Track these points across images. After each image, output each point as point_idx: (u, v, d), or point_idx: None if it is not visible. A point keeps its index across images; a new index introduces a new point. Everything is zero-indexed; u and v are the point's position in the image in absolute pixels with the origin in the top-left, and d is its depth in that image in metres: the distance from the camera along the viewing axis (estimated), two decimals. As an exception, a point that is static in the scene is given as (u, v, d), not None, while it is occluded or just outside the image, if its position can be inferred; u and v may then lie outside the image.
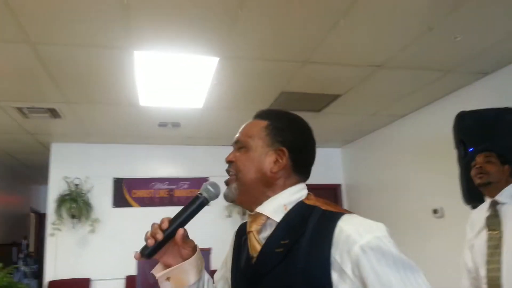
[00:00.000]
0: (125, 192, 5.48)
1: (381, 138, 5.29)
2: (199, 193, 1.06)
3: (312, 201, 0.98)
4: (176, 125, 4.72)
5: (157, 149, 5.70)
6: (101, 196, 5.34)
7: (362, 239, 0.86)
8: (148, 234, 0.97)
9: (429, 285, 0.87)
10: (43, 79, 3.28)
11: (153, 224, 0.99)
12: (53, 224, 5.09)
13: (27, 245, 7.46)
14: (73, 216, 5.10)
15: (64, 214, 5.08)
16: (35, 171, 6.79)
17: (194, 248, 1.04)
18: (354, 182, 6.04)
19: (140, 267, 3.53)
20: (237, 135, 1.09)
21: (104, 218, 5.30)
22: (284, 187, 0.99)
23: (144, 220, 5.42)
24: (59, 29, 2.57)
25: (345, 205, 6.11)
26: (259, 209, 0.99)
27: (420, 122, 4.50)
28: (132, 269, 5.05)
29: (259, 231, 0.99)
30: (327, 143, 5.97)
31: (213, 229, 5.54)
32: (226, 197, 1.05)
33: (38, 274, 6.27)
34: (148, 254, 0.95)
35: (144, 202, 5.53)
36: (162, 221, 0.99)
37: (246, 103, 4.10)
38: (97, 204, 5.29)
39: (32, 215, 8.02)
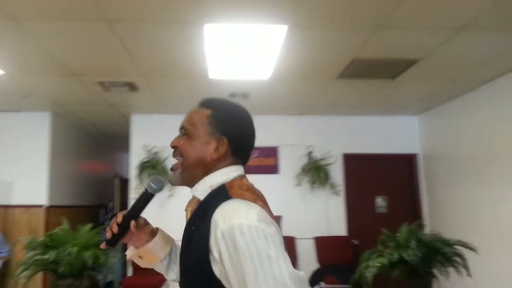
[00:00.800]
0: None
1: (465, 105, 4.89)
2: (145, 189, 1.17)
3: (236, 184, 1.04)
4: (245, 95, 4.77)
5: (227, 119, 5.83)
6: (176, 164, 5.64)
7: (223, 225, 0.91)
8: (108, 228, 1.14)
9: (289, 274, 0.88)
10: (121, 55, 3.47)
11: (113, 218, 1.14)
12: (136, 188, 5.52)
13: (113, 207, 8.19)
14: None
15: (145, 179, 5.47)
16: (117, 140, 7.34)
17: (152, 232, 1.20)
18: (432, 151, 5.71)
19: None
20: (182, 121, 1.15)
21: (180, 185, 5.61)
22: (218, 169, 1.08)
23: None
24: (133, 6, 2.68)
25: (422, 175, 5.85)
26: (192, 191, 1.11)
27: (509, 87, 4.09)
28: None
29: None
30: (402, 111, 5.68)
31: (283, 197, 5.65)
32: (171, 182, 1.14)
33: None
34: (110, 244, 1.13)
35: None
36: (117, 217, 1.13)
37: (314, 72, 4.00)
38: (174, 171, 5.60)
39: (116, 180, 8.73)
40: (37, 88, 4.36)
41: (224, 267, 0.92)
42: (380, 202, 5.92)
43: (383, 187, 5.92)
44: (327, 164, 5.68)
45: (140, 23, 2.91)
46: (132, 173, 5.59)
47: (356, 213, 5.78)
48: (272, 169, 5.78)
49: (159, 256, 1.21)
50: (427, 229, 4.82)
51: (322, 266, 5.39)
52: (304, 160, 5.75)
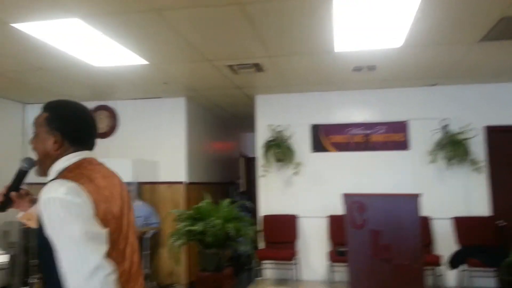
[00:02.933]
0: (322, 138, 5.70)
1: None
2: (20, 166, 1.46)
3: (72, 167, 1.32)
4: (371, 68, 4.55)
5: (351, 94, 5.67)
6: (301, 142, 5.71)
7: (40, 199, 1.21)
8: None
9: (81, 233, 1.15)
10: (251, 37, 3.57)
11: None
12: (263, 166, 5.75)
13: (240, 185, 8.70)
14: (278, 160, 5.63)
15: (271, 158, 5.65)
16: (242, 120, 7.71)
17: (33, 200, 1.55)
18: None
19: (348, 208, 3.68)
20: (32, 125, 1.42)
21: (305, 162, 5.68)
22: (61, 158, 1.35)
23: (341, 164, 5.64)
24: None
25: None
26: (48, 179, 1.33)
27: None
28: (333, 209, 5.36)
29: None
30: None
31: (415, 175, 5.32)
32: (36, 174, 1.42)
33: (250, 209, 7.27)
34: (0, 209, 1.48)
35: (341, 147, 5.66)
36: (1, 190, 1.48)
37: (454, 35, 3.61)
38: (298, 149, 5.68)
39: (242, 159, 9.23)
40: (176, 75, 4.77)
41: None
42: (533, 179, 5.18)
43: (535, 162, 5.16)
44: (466, 138, 5.15)
45: (270, 1, 2.94)
46: (259, 152, 5.82)
47: (503, 192, 5.16)
48: (401, 145, 5.45)
49: None
50: None
51: (464, 247, 4.97)
52: (439, 135, 5.30)
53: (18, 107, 6.16)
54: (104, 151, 5.92)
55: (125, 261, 1.33)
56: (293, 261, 5.30)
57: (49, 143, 1.35)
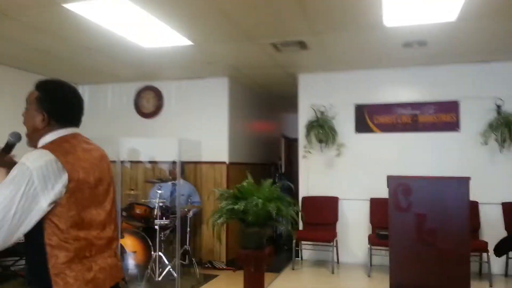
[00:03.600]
0: (367, 118, 5.55)
1: None
2: (7, 140, 1.60)
3: (56, 141, 1.49)
4: (422, 43, 4.34)
5: (398, 72, 5.45)
6: (344, 122, 5.60)
7: (20, 160, 1.39)
8: None
9: (17, 199, 1.29)
10: (295, 12, 3.50)
11: None
12: (304, 147, 5.70)
13: (280, 166, 8.70)
14: (320, 141, 5.56)
15: (313, 139, 5.59)
16: (284, 100, 7.65)
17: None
18: None
19: (392, 191, 3.59)
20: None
21: (348, 143, 5.58)
22: (48, 133, 1.52)
23: (386, 146, 5.48)
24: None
25: None
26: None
27: None
28: (375, 191, 5.25)
29: None
30: None
31: (467, 157, 5.09)
32: (28, 145, 1.56)
33: (290, 190, 7.28)
34: None
35: (386, 128, 5.49)
36: None
37: (515, 7, 3.35)
38: (341, 129, 5.58)
39: (282, 139, 9.19)
40: (219, 55, 4.78)
41: None
42: None
43: None
44: (522, 119, 4.83)
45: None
46: (301, 133, 5.76)
47: None
48: (452, 126, 5.21)
49: None
50: None
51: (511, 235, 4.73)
52: (492, 115, 5.00)
53: (70, 87, 6.44)
54: (150, 131, 6.10)
55: (96, 227, 1.50)
56: (332, 243, 5.27)
57: (38, 120, 1.52)
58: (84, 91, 6.42)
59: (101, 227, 1.52)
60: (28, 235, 1.35)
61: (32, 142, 1.56)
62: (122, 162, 4.72)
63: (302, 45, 4.35)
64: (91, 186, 1.48)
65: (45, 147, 1.46)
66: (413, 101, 5.38)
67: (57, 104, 1.54)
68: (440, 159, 5.18)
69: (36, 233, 1.35)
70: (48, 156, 1.38)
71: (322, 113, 5.60)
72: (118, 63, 5.12)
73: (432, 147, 5.24)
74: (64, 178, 1.38)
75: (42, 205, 1.33)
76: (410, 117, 5.38)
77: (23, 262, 4.65)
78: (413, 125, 5.36)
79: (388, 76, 5.49)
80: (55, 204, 1.36)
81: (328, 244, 5.30)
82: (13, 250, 4.43)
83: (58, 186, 1.36)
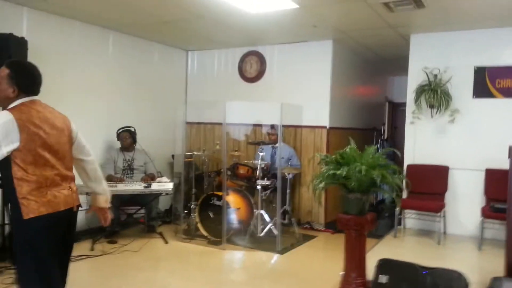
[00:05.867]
0: (488, 82, 5.00)
1: None
2: None
3: (19, 104, 2.08)
4: None
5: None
6: (461, 86, 5.12)
7: None
8: None
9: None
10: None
11: None
12: (413, 113, 5.38)
13: (384, 131, 8.35)
14: (431, 106, 5.18)
15: (423, 104, 5.23)
16: (390, 63, 7.21)
17: None
18: None
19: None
20: None
21: (464, 109, 5.12)
22: (15, 100, 2.10)
23: (508, 112, 4.92)
24: None
25: None
26: None
27: None
28: (492, 162, 4.81)
29: None
30: None
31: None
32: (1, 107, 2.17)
33: (393, 157, 6.97)
34: None
35: (510, 93, 4.90)
36: None
37: None
38: (457, 94, 5.12)
39: (386, 104, 8.75)
40: (326, 17, 4.65)
41: None
42: None
43: None
44: None
45: None
46: (410, 97, 5.42)
47: None
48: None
49: None
50: None
51: None
52: None
53: (182, 54, 6.86)
54: (253, 95, 6.27)
55: (52, 168, 2.09)
56: (440, 214, 5.00)
57: (9, 91, 2.08)
58: (194, 57, 6.80)
59: (55, 167, 2.10)
60: (2, 171, 2.03)
61: (4, 106, 2.12)
62: (226, 124, 4.96)
63: (417, 3, 4.00)
64: (41, 137, 2.05)
65: (9, 109, 2.05)
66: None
67: (24, 78, 2.12)
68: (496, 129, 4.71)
69: (7, 169, 2.00)
70: (9, 116, 1.98)
71: (435, 76, 5.17)
72: (225, 29, 5.28)
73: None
74: (18, 131, 1.97)
75: (3, 151, 1.95)
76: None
77: (142, 211, 5.30)
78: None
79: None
80: (15, 150, 1.96)
81: (435, 214, 5.06)
82: (135, 200, 5.12)
83: (14, 136, 1.96)
